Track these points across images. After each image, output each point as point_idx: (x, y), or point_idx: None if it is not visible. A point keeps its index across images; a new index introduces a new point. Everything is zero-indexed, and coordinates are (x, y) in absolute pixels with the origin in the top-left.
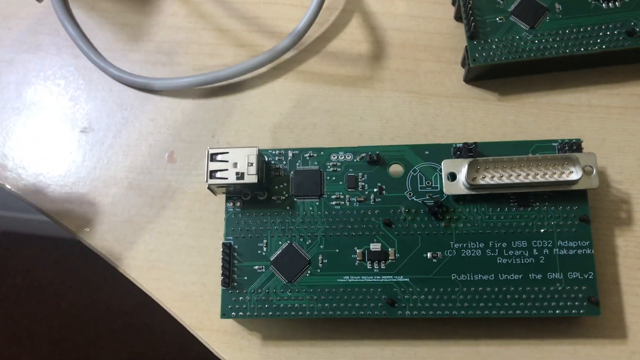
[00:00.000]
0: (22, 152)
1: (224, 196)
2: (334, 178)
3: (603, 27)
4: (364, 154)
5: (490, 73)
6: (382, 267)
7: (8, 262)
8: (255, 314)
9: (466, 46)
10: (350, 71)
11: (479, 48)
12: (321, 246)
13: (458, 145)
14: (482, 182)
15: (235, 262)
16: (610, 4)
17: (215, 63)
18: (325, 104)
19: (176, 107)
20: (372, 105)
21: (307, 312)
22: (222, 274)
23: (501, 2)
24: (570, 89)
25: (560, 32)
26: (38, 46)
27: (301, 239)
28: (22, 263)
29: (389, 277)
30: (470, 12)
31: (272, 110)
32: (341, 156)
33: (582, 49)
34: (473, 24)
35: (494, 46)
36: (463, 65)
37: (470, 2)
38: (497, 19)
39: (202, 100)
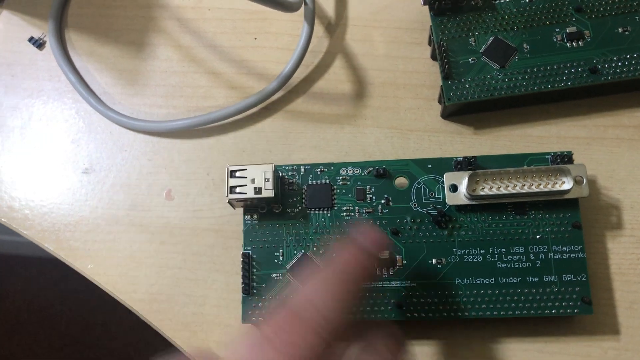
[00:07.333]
0: (28, 193)
1: (225, 225)
2: (343, 191)
3: (568, 65)
4: (371, 168)
5: (465, 109)
6: (390, 273)
7: (7, 284)
8: None
9: (441, 86)
10: (334, 110)
11: (453, 87)
12: (334, 255)
13: (458, 158)
14: (481, 193)
15: (254, 270)
16: (574, 44)
17: (208, 104)
18: (312, 141)
19: (172, 148)
20: (356, 141)
21: None
22: (243, 282)
23: (473, 43)
24: (540, 122)
25: (528, 70)
26: (40, 91)
27: (314, 248)
28: (21, 284)
29: (398, 282)
30: (444, 54)
31: (262, 148)
32: (350, 170)
33: (549, 86)
34: (447, 65)
35: (467, 85)
36: (440, 102)
37: (444, 44)
38: (470, 59)
39: (197, 140)
